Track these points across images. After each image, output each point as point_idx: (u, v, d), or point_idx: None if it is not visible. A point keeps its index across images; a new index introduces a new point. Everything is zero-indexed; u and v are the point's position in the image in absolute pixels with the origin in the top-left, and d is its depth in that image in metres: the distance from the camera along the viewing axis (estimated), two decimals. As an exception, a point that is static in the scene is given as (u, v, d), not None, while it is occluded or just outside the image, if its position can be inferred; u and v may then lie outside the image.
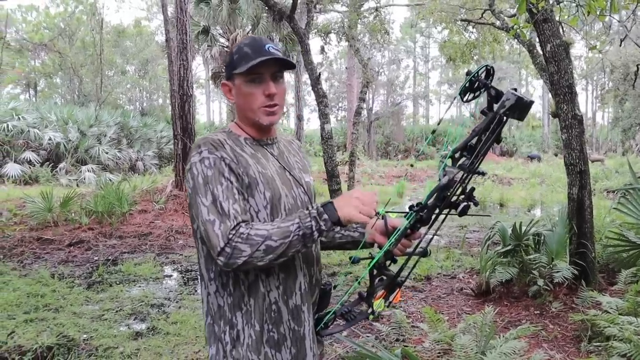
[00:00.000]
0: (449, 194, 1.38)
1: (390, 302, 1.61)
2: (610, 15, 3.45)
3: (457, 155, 1.39)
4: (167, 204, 11.26)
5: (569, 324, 4.42)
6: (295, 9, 7.65)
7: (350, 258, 1.51)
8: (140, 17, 48.74)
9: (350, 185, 8.82)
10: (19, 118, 18.72)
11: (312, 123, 57.36)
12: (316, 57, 18.12)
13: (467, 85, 1.37)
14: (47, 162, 18.31)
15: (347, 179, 9.09)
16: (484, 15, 11.15)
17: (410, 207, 1.45)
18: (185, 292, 6.00)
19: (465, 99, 1.41)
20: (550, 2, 4.41)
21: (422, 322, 4.45)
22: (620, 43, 5.87)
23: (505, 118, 1.31)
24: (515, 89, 1.32)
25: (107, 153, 19.55)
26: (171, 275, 6.90)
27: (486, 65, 1.36)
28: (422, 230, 1.51)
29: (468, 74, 1.37)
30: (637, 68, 6.79)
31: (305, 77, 26.00)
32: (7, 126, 18.01)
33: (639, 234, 5.50)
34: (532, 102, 1.31)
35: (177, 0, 12.08)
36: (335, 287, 1.74)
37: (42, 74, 39.02)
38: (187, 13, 12.24)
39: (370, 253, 1.58)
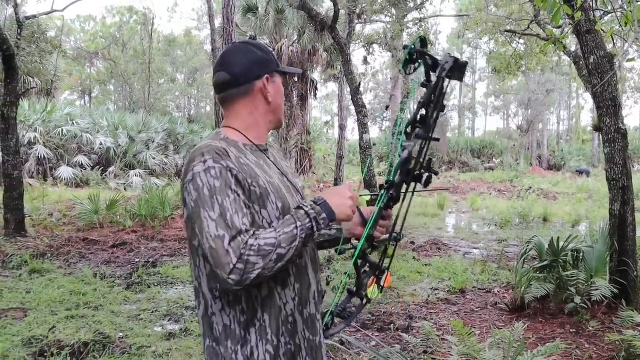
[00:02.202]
0: (412, 167, 1.47)
1: (383, 287, 1.63)
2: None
3: (409, 129, 1.48)
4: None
5: (605, 344, 4.26)
6: (337, 20, 7.70)
7: (336, 250, 1.61)
8: (191, 27, 50.01)
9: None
10: (73, 123, 19.44)
11: (356, 133, 57.35)
12: (360, 68, 18.18)
13: (407, 57, 1.47)
14: (98, 166, 18.92)
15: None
16: (530, 26, 10.94)
17: (381, 187, 1.52)
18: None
19: (407, 72, 1.50)
20: (591, 13, 4.29)
21: (452, 335, 4.37)
22: None
23: (448, 81, 1.42)
24: (449, 53, 1.43)
25: (154, 158, 20.04)
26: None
27: (420, 37, 1.47)
28: (391, 212, 1.59)
29: (405, 47, 1.47)
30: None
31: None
32: (62, 131, 18.69)
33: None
34: (467, 63, 1.43)
35: (225, 10, 12.33)
36: (333, 288, 1.76)
37: (96, 81, 40.50)
38: (234, 23, 12.45)
39: (352, 244, 1.67)
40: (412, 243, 9.42)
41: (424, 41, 1.48)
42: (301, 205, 1.47)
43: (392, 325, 4.93)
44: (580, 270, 5.29)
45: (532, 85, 30.91)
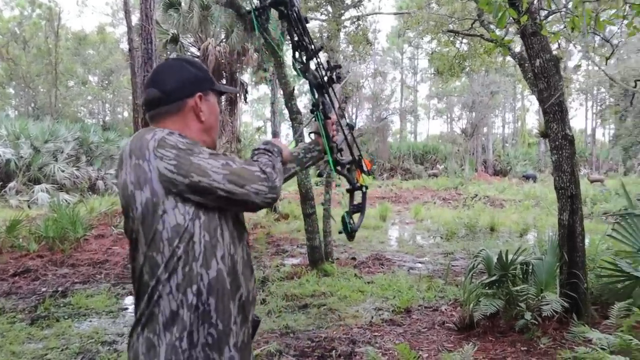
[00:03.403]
0: (319, 81, 1.90)
1: (367, 171, 2.11)
2: (595, 32, 3.50)
3: (297, 56, 1.90)
4: (126, 228, 11.13)
5: (557, 362, 4.41)
6: (268, 19, 7.67)
7: (317, 174, 2.35)
8: (105, 23, 48.61)
9: (327, 208, 8.79)
10: (-37, 131, 18.51)
11: (291, 138, 57.39)
12: (293, 70, 18.20)
13: (256, 19, 1.91)
14: (-4, 181, 18.06)
15: (324, 201, 9.05)
16: (473, 25, 11.30)
17: (311, 111, 1.98)
18: (140, 327, 5.88)
19: (259, 25, 1.91)
20: (536, 16, 4.47)
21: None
22: (605, 61, 5.95)
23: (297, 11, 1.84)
24: None
25: (63, 171, 19.33)
26: (127, 308, 6.76)
27: None
28: (333, 116, 2.08)
29: (249, 12, 1.91)
30: (636, 84, 6.88)
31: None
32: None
33: (634, 263, 5.55)
34: None
35: (143, 5, 12.07)
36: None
37: (-8, 83, 38.66)
38: (153, 20, 12.23)
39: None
40: (353, 259, 9.48)
41: None
42: (257, 147, 1.82)
43: (333, 351, 4.92)
44: (530, 284, 5.46)
45: (476, 87, 31.96)
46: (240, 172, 1.57)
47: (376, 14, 19.33)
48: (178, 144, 1.54)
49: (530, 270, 5.63)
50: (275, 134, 19.33)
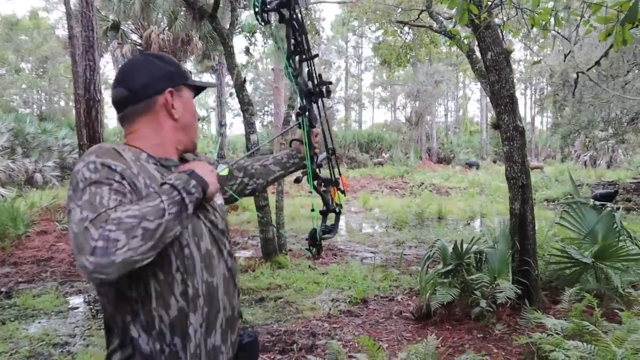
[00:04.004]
0: (310, 87, 1.87)
1: (343, 190, 2.04)
2: (555, 30, 3.63)
3: (291, 61, 1.86)
4: (70, 223, 10.80)
5: (513, 347, 4.57)
6: (218, 7, 7.57)
7: (294, 181, 2.07)
8: (38, 7, 46.85)
9: (278, 199, 8.79)
10: None
11: (235, 128, 56.97)
12: (240, 58, 18.03)
13: (257, 9, 1.82)
14: None
15: (274, 192, 9.05)
16: (420, 16, 11.46)
17: (297, 115, 1.92)
18: (94, 327, 5.76)
19: (262, 20, 1.84)
20: (492, 11, 4.59)
21: (360, 352, 4.48)
22: (565, 58, 6.17)
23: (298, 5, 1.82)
24: None
25: (-3, 164, 18.56)
26: (77, 308, 6.60)
27: None
28: (317, 129, 2.02)
29: (256, 13, 1.84)
30: (577, 76, 7.16)
31: (228, 79, 25.78)
32: None
33: (580, 250, 5.80)
34: None
35: (82, -9, 11.68)
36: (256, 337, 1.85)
37: None
38: (94, 7, 11.84)
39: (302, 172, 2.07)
40: (308, 249, 9.51)
41: None
42: (165, 181, 1.43)
43: (294, 345, 4.95)
44: (484, 272, 5.63)
45: (421, 76, 32.45)
46: (79, 233, 1.24)
47: (321, 2, 19.33)
48: (79, 183, 1.34)
49: (484, 259, 5.80)
50: (221, 124, 19.19)
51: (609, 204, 6.58)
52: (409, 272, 7.66)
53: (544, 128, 50.03)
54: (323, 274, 7.74)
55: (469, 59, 8.20)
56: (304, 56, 1.87)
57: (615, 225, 5.77)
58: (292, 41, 1.85)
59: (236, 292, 1.71)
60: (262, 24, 1.85)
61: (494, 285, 5.37)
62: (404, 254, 8.92)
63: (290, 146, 2.23)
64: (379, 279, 7.39)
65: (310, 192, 1.97)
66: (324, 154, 2.02)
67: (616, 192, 15.32)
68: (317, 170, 2.02)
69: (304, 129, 1.92)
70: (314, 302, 6.47)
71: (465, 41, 4.40)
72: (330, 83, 1.93)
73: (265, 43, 15.02)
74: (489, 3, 4.13)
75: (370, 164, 35.37)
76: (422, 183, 22.27)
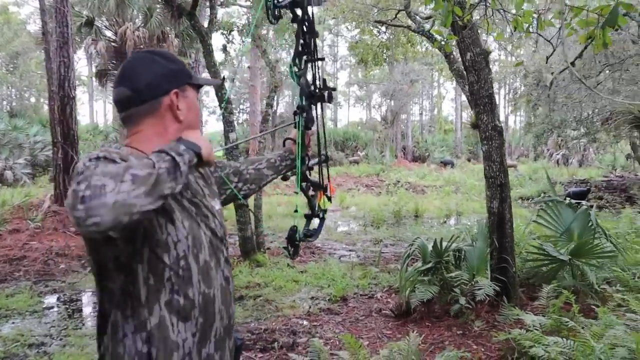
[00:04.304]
0: (312, 89, 1.87)
1: (329, 197, 2.03)
2: (537, 32, 3.70)
3: (297, 60, 1.85)
4: (44, 222, 10.66)
5: (492, 343, 4.65)
6: (197, 5, 7.53)
7: (282, 178, 2.09)
8: (8, 2, 45.95)
9: (257, 197, 8.78)
10: None
11: (209, 126, 56.64)
12: (217, 56, 17.95)
13: (271, 5, 1.80)
14: None
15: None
16: (397, 16, 11.53)
17: (295, 113, 1.88)
18: (70, 327, 5.70)
19: (274, 17, 1.83)
20: (474, 12, 4.64)
21: (342, 349, 4.52)
22: (547, 60, 6.27)
23: (311, 7, 1.84)
24: None
25: (-34, 161, 18.22)
26: (52, 307, 6.52)
27: None
28: (314, 128, 1.98)
29: (268, 9, 1.82)
30: (553, 77, 7.29)
31: (205, 76, 25.56)
32: None
33: (557, 247, 5.91)
34: None
35: (56, -14, 11.53)
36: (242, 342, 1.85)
37: None
38: (69, 3, 11.71)
39: (293, 171, 2.07)
40: (285, 248, 9.51)
41: None
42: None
43: (275, 343, 4.97)
44: (462, 270, 5.71)
45: (397, 75, 32.61)
46: (70, 194, 1.18)
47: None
48: (78, 170, 1.24)
49: (462, 257, 5.88)
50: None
51: (583, 202, 6.70)
52: (388, 270, 7.72)
53: (518, 127, 50.66)
54: (302, 272, 7.76)
55: (447, 59, 8.26)
56: (310, 57, 1.87)
57: (590, 223, 5.89)
58: (301, 41, 1.85)
59: (232, 299, 1.71)
60: (274, 21, 1.82)
61: (473, 283, 5.45)
62: (382, 252, 8.98)
63: (284, 145, 2.21)
64: (358, 276, 7.44)
65: (297, 192, 1.94)
66: (316, 159, 2.00)
67: (589, 190, 15.61)
68: (307, 172, 2.00)
69: (298, 129, 1.90)
70: (294, 300, 6.49)
71: (448, 42, 4.45)
72: (334, 89, 1.94)
73: (242, 41, 14.94)
74: (472, 4, 4.18)
75: (345, 162, 35.45)
76: (398, 181, 22.41)
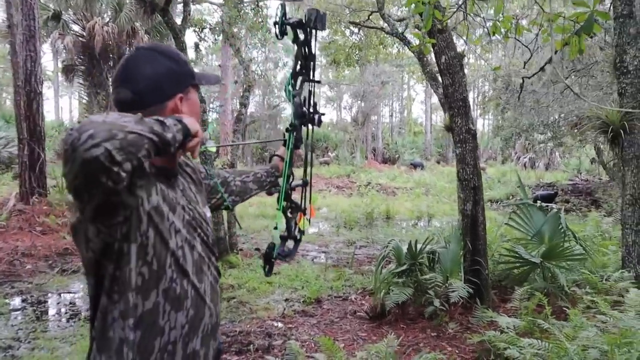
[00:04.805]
0: (305, 109, 1.88)
1: (309, 219, 2.00)
2: (515, 37, 3.76)
3: (292, 81, 1.88)
4: (9, 221, 10.43)
5: (467, 345, 4.71)
6: (171, 1, 7.46)
7: (266, 193, 2.15)
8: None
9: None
10: None
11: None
12: (189, 54, 17.77)
13: (281, 24, 1.84)
14: None
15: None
16: (370, 17, 11.60)
17: (287, 130, 1.91)
18: (39, 329, 5.59)
19: (280, 33, 1.86)
20: (451, 16, 4.71)
21: (318, 351, 4.52)
22: (524, 65, 6.39)
23: (315, 31, 1.84)
24: (312, 8, 1.88)
25: None
26: (19, 309, 6.39)
27: (281, 4, 1.84)
28: (301, 150, 1.98)
29: (275, 23, 1.85)
30: (523, 81, 7.42)
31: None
32: None
33: (528, 249, 6.01)
34: (326, 14, 1.91)
35: (23, -22, 11.30)
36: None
37: None
38: (36, -5, 11.48)
39: (276, 188, 2.08)
40: (257, 250, 9.50)
41: (283, 7, 1.85)
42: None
43: (251, 345, 4.95)
44: (436, 272, 5.77)
45: (368, 77, 32.76)
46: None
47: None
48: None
49: (436, 259, 5.93)
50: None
51: (552, 205, 6.84)
52: (361, 272, 7.75)
53: (486, 130, 51.32)
54: (275, 273, 7.73)
55: (420, 62, 8.35)
56: (306, 78, 1.90)
57: (560, 226, 6.00)
58: (299, 62, 1.88)
59: (220, 300, 1.71)
60: (279, 36, 1.85)
61: (447, 285, 5.51)
62: (355, 254, 9.01)
63: (270, 161, 2.29)
64: (332, 278, 7.45)
65: (278, 209, 1.94)
66: (300, 181, 2.00)
67: (556, 193, 15.90)
68: (290, 192, 1.99)
69: (288, 147, 1.92)
70: (268, 302, 6.47)
71: (422, 45, 4.49)
72: (323, 114, 1.96)
73: (215, 39, 14.84)
74: (452, 9, 4.23)
75: (316, 163, 35.51)
76: (369, 183, 22.51)
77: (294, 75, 1.89)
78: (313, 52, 1.87)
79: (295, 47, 1.87)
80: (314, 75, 1.90)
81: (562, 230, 5.98)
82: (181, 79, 1.59)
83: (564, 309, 4.75)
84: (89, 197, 1.24)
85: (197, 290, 1.55)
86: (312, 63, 1.88)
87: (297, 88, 1.89)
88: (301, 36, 1.85)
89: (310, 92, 1.91)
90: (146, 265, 1.43)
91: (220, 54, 30.17)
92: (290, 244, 2.02)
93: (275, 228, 1.94)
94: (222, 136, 25.62)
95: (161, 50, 1.60)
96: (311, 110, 1.91)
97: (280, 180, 2.00)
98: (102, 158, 1.13)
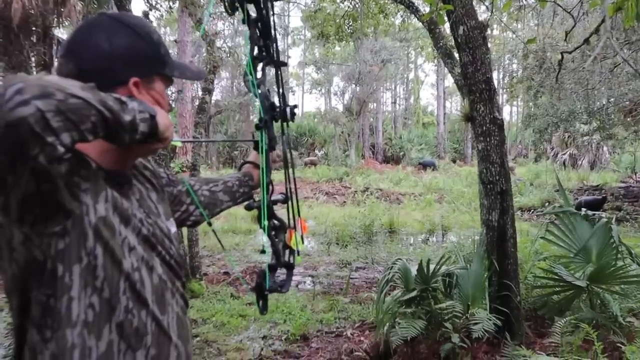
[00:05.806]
0: (273, 102, 1.87)
1: (302, 235, 1.99)
2: (554, 1, 3.76)
3: (253, 68, 1.85)
4: None
5: (494, 393, 4.71)
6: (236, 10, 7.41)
7: (245, 207, 2.03)
8: None
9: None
10: None
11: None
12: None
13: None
14: None
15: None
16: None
17: (257, 126, 1.86)
18: None
19: (230, 7, 1.85)
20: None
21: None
22: (566, 37, 6.37)
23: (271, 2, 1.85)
24: None
25: None
26: None
27: None
28: (278, 151, 2.02)
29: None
30: (562, 57, 7.43)
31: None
32: None
33: (570, 270, 6.01)
34: None
35: None
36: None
37: None
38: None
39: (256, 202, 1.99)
40: (226, 274, 9.48)
41: None
42: None
43: (219, 396, 4.93)
44: (454, 299, 5.75)
45: (365, 54, 32.73)
46: None
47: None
48: None
49: (454, 283, 5.92)
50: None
51: (600, 214, 6.85)
52: (359, 300, 7.75)
53: (515, 120, 51.56)
54: (249, 304, 7.72)
55: (431, 34, 8.35)
56: (268, 61, 1.88)
57: (612, 240, 6.00)
58: (256, 45, 1.85)
59: (190, 336, 1.70)
60: (230, 12, 1.83)
61: (468, 316, 5.49)
62: (351, 278, 9.00)
63: (240, 169, 2.32)
64: (322, 309, 7.44)
65: (262, 228, 1.85)
66: (279, 196, 1.96)
67: (604, 199, 15.96)
68: (270, 205, 1.92)
69: (261, 150, 1.85)
70: (240, 340, 6.45)
71: (435, 13, 4.48)
72: (295, 106, 1.96)
73: (170, 8, 14.76)
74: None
75: (300, 164, 35.50)
76: (367, 188, 22.55)
77: (254, 60, 1.84)
78: (268, 28, 1.84)
79: (247, 28, 1.83)
80: (277, 52, 1.88)
81: (614, 246, 5.98)
82: (143, 63, 1.55)
83: (619, 345, 4.75)
84: (14, 179, 1.17)
85: (158, 324, 1.53)
86: (273, 42, 1.86)
87: (257, 76, 1.85)
88: (253, 14, 1.82)
89: (277, 79, 1.89)
90: (96, 294, 1.38)
91: (176, 27, 30.22)
92: (282, 271, 1.96)
93: (263, 252, 1.90)
94: (181, 131, 25.60)
95: (127, 22, 1.56)
96: (280, 102, 1.89)
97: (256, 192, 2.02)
98: (31, 120, 1.07)
